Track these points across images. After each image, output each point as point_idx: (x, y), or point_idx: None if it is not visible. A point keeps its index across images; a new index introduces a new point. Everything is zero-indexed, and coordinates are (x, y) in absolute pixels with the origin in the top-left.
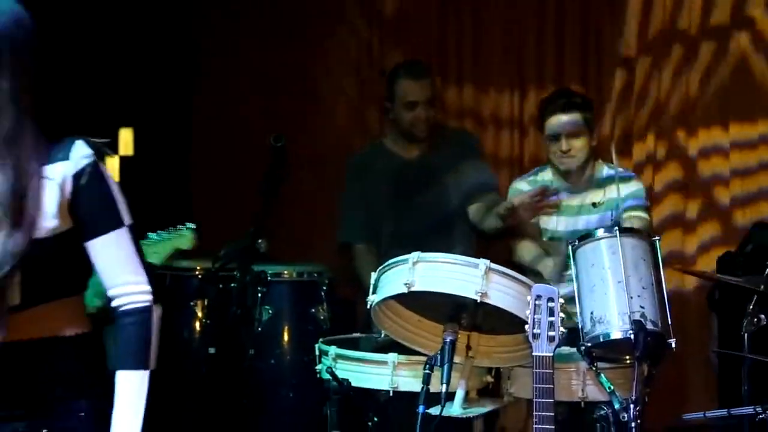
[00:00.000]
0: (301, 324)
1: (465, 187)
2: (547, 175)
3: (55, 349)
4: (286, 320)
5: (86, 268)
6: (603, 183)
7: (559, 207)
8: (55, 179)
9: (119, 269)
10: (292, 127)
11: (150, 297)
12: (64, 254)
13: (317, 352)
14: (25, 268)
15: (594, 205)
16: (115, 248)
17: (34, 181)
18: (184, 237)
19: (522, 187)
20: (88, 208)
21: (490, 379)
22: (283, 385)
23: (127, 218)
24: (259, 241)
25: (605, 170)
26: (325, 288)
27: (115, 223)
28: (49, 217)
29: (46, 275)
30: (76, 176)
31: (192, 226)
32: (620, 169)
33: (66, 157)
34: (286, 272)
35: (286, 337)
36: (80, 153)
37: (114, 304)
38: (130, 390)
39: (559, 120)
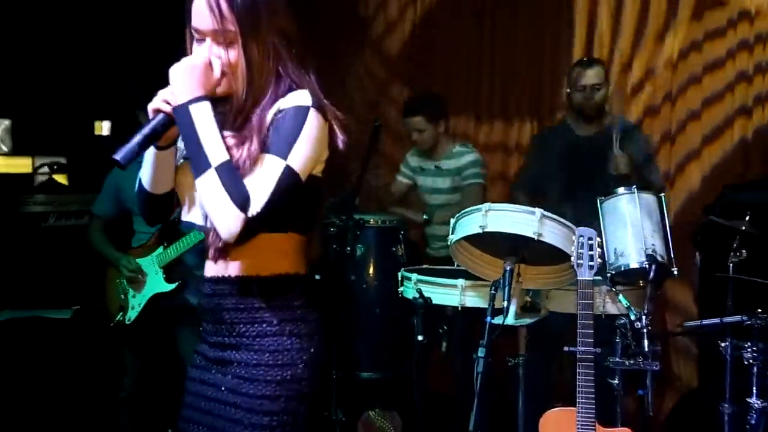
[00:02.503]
0: (385, 258)
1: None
2: None
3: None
4: (373, 255)
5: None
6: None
7: None
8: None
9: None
10: None
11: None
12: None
13: (399, 278)
14: None
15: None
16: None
17: None
18: None
19: None
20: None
21: (528, 299)
22: (372, 302)
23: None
24: (356, 197)
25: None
26: (402, 232)
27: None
28: None
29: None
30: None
31: None
32: None
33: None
34: (372, 220)
35: (373, 268)
36: (296, 98)
37: None
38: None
39: None
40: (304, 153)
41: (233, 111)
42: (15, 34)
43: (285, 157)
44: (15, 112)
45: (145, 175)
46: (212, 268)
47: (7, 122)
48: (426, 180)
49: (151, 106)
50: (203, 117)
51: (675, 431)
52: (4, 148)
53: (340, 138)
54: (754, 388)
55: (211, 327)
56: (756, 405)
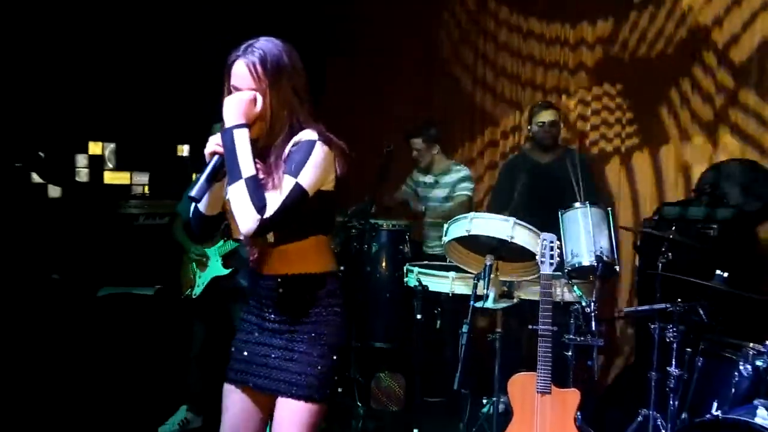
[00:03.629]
0: (394, 254)
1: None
2: None
3: (309, 281)
4: (385, 251)
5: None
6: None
7: None
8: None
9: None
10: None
11: (267, 211)
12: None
13: (405, 271)
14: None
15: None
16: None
17: None
18: None
19: None
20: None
21: (505, 288)
22: (383, 289)
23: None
24: (373, 206)
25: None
26: (408, 234)
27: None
28: None
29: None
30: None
31: None
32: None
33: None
34: (385, 224)
35: (384, 261)
36: (306, 134)
37: None
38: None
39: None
40: (311, 174)
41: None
42: (120, 77)
43: (296, 176)
44: (118, 137)
45: (201, 201)
46: (261, 266)
47: (112, 145)
48: (426, 190)
49: (207, 151)
50: (242, 139)
51: (615, 393)
52: (110, 165)
53: (342, 165)
54: (673, 360)
55: (257, 305)
56: (674, 372)
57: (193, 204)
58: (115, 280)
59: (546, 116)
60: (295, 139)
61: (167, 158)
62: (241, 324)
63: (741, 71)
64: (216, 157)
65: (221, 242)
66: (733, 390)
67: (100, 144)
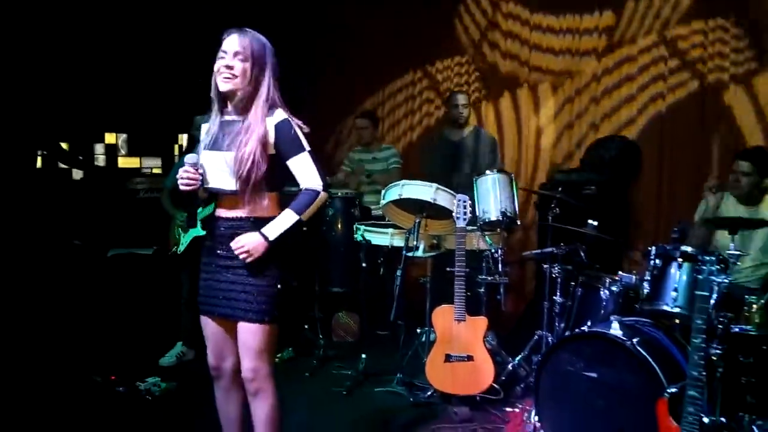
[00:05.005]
0: (346, 216)
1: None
2: None
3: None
4: (339, 215)
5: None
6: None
7: None
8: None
9: (304, 176)
10: None
11: (320, 187)
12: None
13: (354, 229)
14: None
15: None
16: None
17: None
18: None
19: None
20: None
21: (434, 241)
22: (338, 244)
23: (307, 146)
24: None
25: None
26: (357, 201)
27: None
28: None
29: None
30: (277, 126)
31: None
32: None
33: (272, 115)
34: (339, 192)
35: (339, 222)
36: (278, 114)
37: (302, 186)
38: (285, 218)
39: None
40: (304, 139)
41: (237, 100)
42: (129, 79)
43: (304, 149)
44: (129, 128)
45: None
46: (230, 212)
47: (124, 135)
48: (367, 165)
49: (183, 186)
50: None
51: (519, 321)
52: (123, 152)
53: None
54: (558, 290)
55: (224, 247)
56: (558, 300)
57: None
58: (121, 242)
59: (460, 99)
60: (272, 119)
61: (169, 146)
62: (202, 266)
63: None
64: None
65: (200, 209)
66: (602, 311)
67: (114, 135)
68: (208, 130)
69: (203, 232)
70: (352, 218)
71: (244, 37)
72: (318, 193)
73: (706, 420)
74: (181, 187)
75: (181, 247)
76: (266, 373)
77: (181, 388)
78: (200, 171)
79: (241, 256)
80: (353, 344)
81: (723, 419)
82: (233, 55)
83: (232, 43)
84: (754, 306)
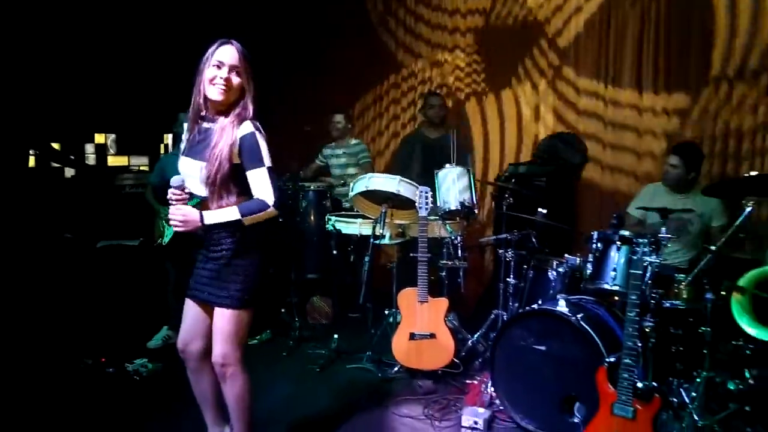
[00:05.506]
0: (319, 207)
1: None
2: None
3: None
4: (312, 206)
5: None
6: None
7: None
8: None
9: (259, 189)
10: None
11: (272, 202)
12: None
13: (326, 220)
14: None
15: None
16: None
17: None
18: None
19: None
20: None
21: (400, 229)
22: (312, 234)
23: (267, 161)
24: (301, 173)
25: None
26: (329, 193)
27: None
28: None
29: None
30: (242, 137)
31: None
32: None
33: (240, 126)
34: (312, 186)
35: (312, 214)
36: (246, 126)
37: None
38: (228, 212)
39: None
40: (267, 154)
41: (220, 110)
42: (117, 83)
43: (263, 164)
44: (117, 129)
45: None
46: None
47: (113, 135)
48: (338, 160)
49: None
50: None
51: (478, 302)
52: (112, 151)
53: None
54: (511, 273)
55: (209, 246)
56: (512, 282)
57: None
58: (109, 234)
59: (436, 100)
60: (240, 130)
61: (155, 145)
62: (197, 256)
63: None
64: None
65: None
66: (551, 291)
67: (103, 135)
68: (187, 135)
69: None
70: (324, 209)
71: (238, 50)
72: (268, 206)
73: (639, 385)
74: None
75: (166, 239)
76: (236, 357)
77: (167, 369)
78: (186, 190)
79: (172, 222)
80: (327, 326)
81: (654, 384)
82: (230, 68)
83: (229, 55)
84: (683, 284)
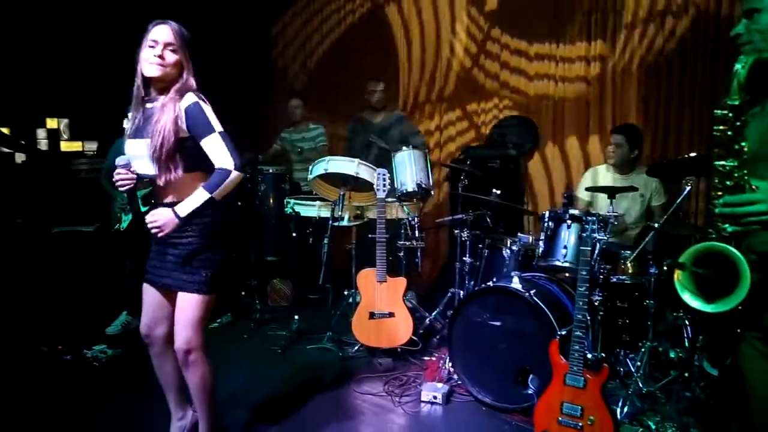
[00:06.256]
0: (277, 191)
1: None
2: None
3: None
4: (271, 189)
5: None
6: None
7: None
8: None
9: (215, 156)
10: None
11: (232, 166)
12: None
13: (285, 203)
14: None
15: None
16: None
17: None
18: None
19: None
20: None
21: (358, 211)
22: (271, 217)
23: (217, 127)
24: (258, 157)
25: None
26: (287, 176)
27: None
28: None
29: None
30: (186, 109)
31: None
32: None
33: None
34: (271, 169)
35: (270, 197)
36: (189, 98)
37: (216, 166)
38: (197, 196)
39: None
40: (215, 119)
41: (160, 87)
42: (70, 65)
43: (214, 131)
44: (71, 114)
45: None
46: (160, 196)
47: (66, 120)
48: (296, 144)
49: (122, 187)
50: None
51: (435, 281)
52: (65, 136)
53: None
54: (467, 253)
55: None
56: (468, 261)
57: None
58: (65, 220)
59: (378, 86)
60: (182, 102)
61: (109, 130)
62: (154, 240)
63: None
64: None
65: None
66: (505, 269)
67: (56, 120)
68: (131, 118)
69: (144, 209)
70: (283, 193)
71: (172, 29)
72: (229, 172)
73: (589, 356)
74: (120, 189)
75: (123, 224)
76: (198, 343)
77: (127, 355)
78: (133, 169)
79: (152, 231)
80: (287, 308)
81: (603, 354)
82: (164, 45)
83: (163, 33)
84: (629, 260)
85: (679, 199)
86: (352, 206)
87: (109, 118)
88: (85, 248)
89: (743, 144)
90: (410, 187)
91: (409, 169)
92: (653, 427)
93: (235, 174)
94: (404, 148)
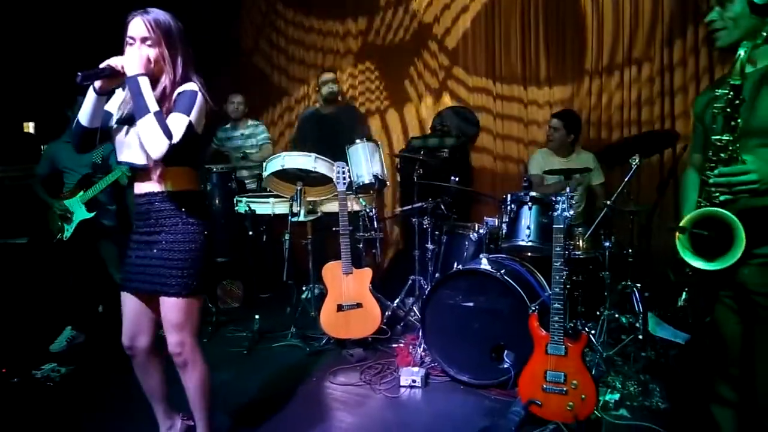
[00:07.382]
0: (223, 190)
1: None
2: None
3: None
4: (218, 189)
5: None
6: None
7: None
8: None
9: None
10: None
11: (173, 139)
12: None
13: (235, 201)
14: None
15: None
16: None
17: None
18: (121, 174)
19: None
20: None
21: (311, 206)
22: (219, 216)
23: (193, 117)
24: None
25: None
26: (234, 175)
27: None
28: None
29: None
30: (181, 92)
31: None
32: None
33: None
34: (215, 168)
35: (217, 196)
36: (189, 85)
37: None
38: (151, 102)
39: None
40: (197, 114)
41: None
42: None
43: (188, 115)
44: None
45: (83, 114)
46: (143, 188)
47: None
48: (235, 142)
49: (105, 63)
50: (145, 84)
51: (391, 269)
52: None
53: (209, 117)
54: (429, 240)
55: (142, 223)
56: (430, 247)
57: (76, 120)
58: None
59: (329, 77)
60: (180, 89)
61: (14, 134)
62: (129, 243)
63: (453, 53)
64: (109, 68)
65: (81, 193)
66: (465, 253)
67: None
68: (121, 101)
69: (90, 215)
70: (230, 191)
71: (148, 19)
72: (170, 136)
73: (568, 325)
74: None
75: (67, 233)
76: (192, 345)
77: (82, 370)
78: (102, 66)
79: (112, 64)
80: (240, 309)
81: (580, 323)
82: (141, 41)
83: (138, 28)
84: (584, 236)
85: (627, 177)
86: (305, 201)
87: (11, 120)
88: (18, 262)
89: (739, 120)
90: (367, 179)
91: (364, 160)
92: (619, 386)
93: (166, 141)
94: (358, 140)
